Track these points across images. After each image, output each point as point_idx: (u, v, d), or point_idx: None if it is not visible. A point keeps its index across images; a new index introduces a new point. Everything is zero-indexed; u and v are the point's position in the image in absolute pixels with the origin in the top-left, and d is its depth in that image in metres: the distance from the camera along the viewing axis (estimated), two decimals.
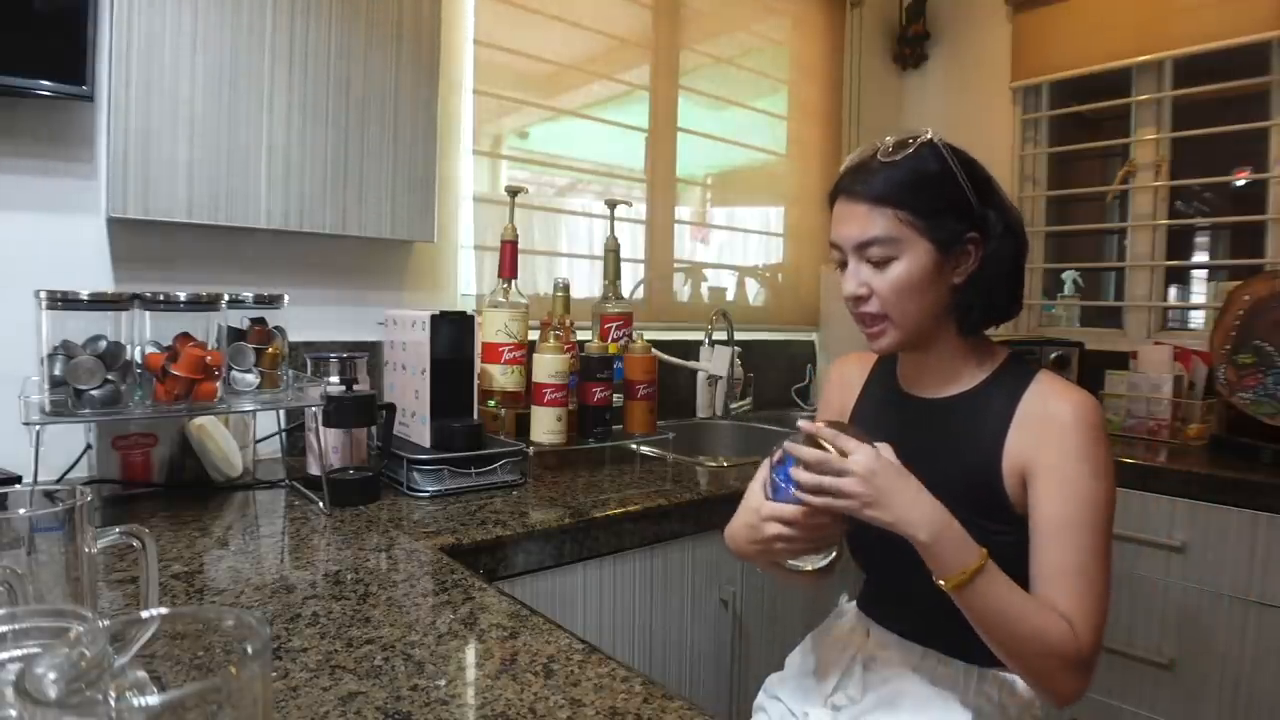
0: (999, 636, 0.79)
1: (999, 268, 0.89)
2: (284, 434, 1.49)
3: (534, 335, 1.59)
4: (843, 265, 0.92)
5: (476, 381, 1.40)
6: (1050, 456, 0.83)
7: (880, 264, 0.87)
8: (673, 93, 2.21)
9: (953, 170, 0.87)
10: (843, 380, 1.10)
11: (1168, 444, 1.94)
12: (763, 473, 0.88)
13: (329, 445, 1.26)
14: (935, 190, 0.87)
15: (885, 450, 0.82)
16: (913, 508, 0.78)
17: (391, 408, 1.34)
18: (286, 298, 1.25)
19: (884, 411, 1.01)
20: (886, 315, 0.89)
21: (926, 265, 0.87)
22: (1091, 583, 0.80)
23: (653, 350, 1.64)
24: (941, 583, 0.78)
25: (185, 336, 1.09)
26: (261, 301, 1.23)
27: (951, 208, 0.87)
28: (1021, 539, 0.85)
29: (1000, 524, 0.85)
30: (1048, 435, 0.84)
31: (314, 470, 1.28)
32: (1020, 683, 0.89)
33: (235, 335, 1.19)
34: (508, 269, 1.58)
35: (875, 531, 0.81)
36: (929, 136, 0.88)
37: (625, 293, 1.85)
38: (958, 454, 0.90)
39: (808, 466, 0.80)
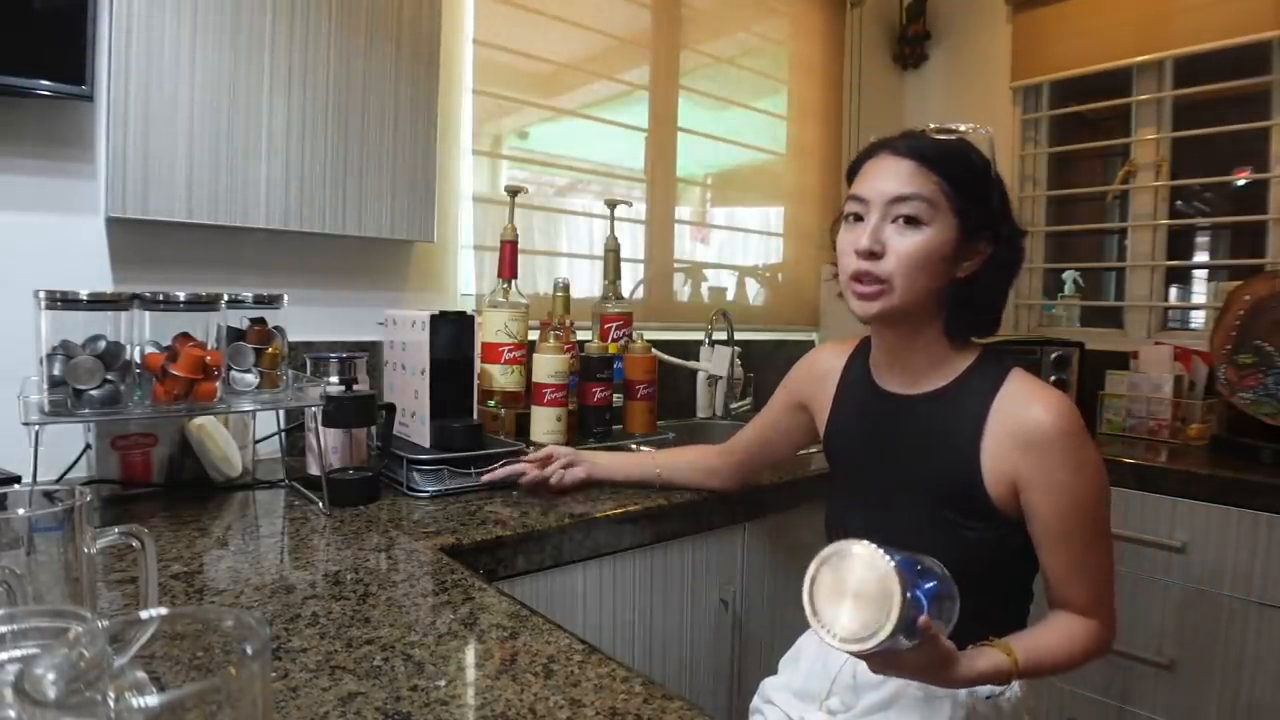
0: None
1: (997, 277, 0.91)
2: (284, 434, 1.49)
3: (534, 335, 1.59)
4: (854, 219, 0.90)
5: (476, 381, 1.40)
6: (1038, 470, 0.85)
7: (907, 226, 0.86)
8: (673, 93, 2.21)
9: (992, 166, 0.89)
10: (818, 369, 1.10)
11: (1168, 444, 1.94)
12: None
13: (329, 445, 1.26)
14: (976, 175, 0.88)
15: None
16: (948, 681, 0.77)
17: (391, 408, 1.34)
18: (286, 298, 1.25)
19: (859, 406, 1.02)
20: (889, 281, 0.86)
21: (947, 243, 0.86)
22: (1099, 570, 0.88)
23: (653, 350, 1.64)
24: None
25: (185, 336, 1.08)
26: (261, 301, 1.22)
27: (983, 199, 0.88)
28: (1002, 535, 0.88)
29: (979, 521, 0.88)
30: (1030, 448, 0.85)
31: (314, 470, 1.28)
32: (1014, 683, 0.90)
33: (235, 335, 1.18)
34: (508, 269, 1.58)
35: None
36: (985, 131, 0.89)
37: (625, 293, 1.85)
38: (931, 454, 0.90)
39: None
